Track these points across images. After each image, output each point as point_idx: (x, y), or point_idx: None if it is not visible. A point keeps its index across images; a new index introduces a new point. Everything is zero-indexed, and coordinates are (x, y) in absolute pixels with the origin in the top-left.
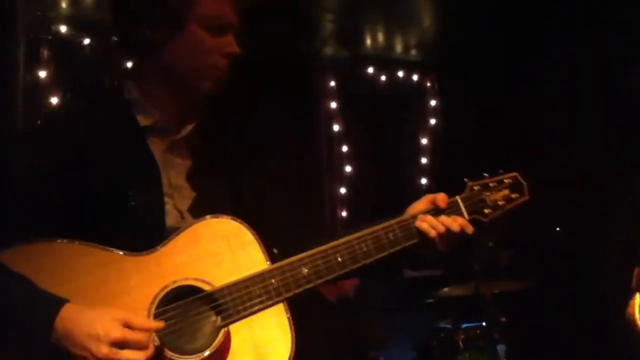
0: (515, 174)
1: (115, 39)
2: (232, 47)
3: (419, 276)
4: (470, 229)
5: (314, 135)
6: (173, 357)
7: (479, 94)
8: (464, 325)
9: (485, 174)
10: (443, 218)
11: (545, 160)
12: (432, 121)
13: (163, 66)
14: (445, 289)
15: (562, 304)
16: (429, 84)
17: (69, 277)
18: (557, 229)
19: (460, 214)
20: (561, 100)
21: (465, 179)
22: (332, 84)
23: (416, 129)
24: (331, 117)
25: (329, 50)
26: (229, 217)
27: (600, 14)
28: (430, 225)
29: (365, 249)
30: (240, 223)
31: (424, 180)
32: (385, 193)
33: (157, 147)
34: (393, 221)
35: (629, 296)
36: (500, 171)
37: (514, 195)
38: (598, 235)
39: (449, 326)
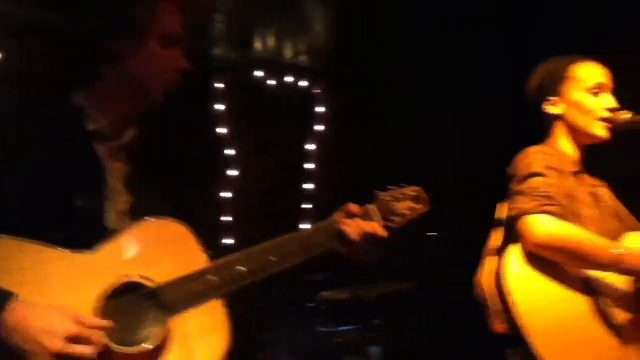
0: (419, 187)
1: (71, 43)
2: (183, 62)
3: (302, 280)
4: (384, 233)
5: (201, 137)
6: (118, 350)
7: (367, 101)
8: (342, 329)
9: (389, 186)
10: (362, 222)
11: (428, 166)
12: (320, 127)
13: (119, 76)
14: (326, 293)
15: (439, 306)
16: (317, 90)
17: (12, 272)
18: (436, 233)
19: (373, 220)
20: (443, 106)
21: (376, 191)
22: (220, 85)
23: (304, 134)
24: (218, 119)
25: (217, 51)
26: (169, 219)
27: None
28: (352, 228)
29: (294, 250)
30: (180, 224)
31: (309, 186)
32: (271, 197)
33: (100, 152)
34: (318, 224)
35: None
36: (402, 185)
37: (417, 206)
38: (476, 238)
39: (328, 329)
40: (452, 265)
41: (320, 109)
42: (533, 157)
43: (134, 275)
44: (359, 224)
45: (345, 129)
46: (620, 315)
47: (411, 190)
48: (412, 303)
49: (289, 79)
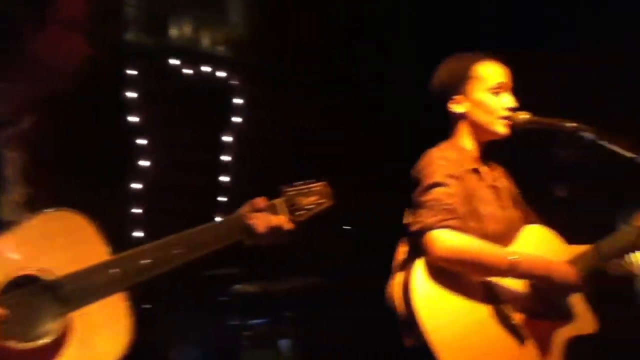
0: (324, 182)
1: None
2: (86, 48)
3: (211, 274)
4: (291, 226)
5: (110, 126)
6: (15, 346)
7: (285, 95)
8: (253, 322)
9: (296, 183)
10: (269, 216)
11: (343, 161)
12: (237, 119)
13: (18, 59)
14: (237, 286)
15: (349, 299)
16: (235, 82)
17: None
18: (349, 227)
19: (279, 214)
20: (360, 98)
21: (282, 186)
22: (133, 72)
23: (220, 126)
24: (129, 107)
25: (130, 36)
26: (69, 211)
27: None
28: (259, 221)
29: (200, 243)
30: (80, 216)
31: (225, 178)
32: (185, 190)
33: None
34: (226, 217)
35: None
36: (309, 181)
37: (321, 201)
38: (389, 234)
39: (238, 323)
40: (366, 259)
41: (238, 101)
42: (436, 164)
43: (31, 268)
44: (265, 218)
45: (264, 121)
46: (517, 317)
47: (316, 185)
48: (324, 297)
49: (206, 68)
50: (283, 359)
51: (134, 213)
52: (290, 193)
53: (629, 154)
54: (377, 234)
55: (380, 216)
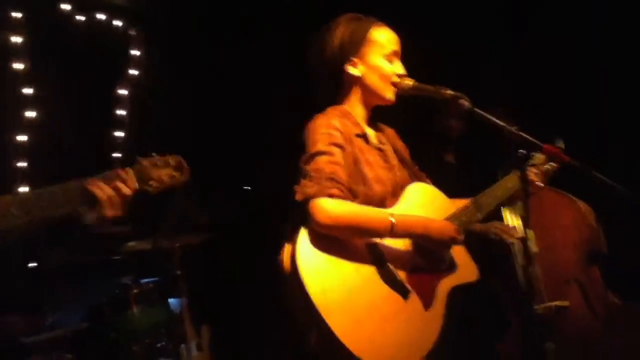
0: (179, 157)
1: None
2: None
3: (102, 233)
4: (130, 194)
5: None
6: None
7: (186, 48)
8: (144, 280)
9: (154, 154)
10: (115, 184)
11: (242, 117)
12: (134, 72)
13: None
14: (131, 244)
15: (242, 258)
16: (133, 33)
17: None
18: (248, 187)
19: (131, 184)
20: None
21: (137, 156)
22: (18, 15)
23: (115, 78)
24: (13, 53)
25: None
26: None
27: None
28: (101, 189)
29: (39, 206)
30: None
31: (119, 133)
32: (74, 143)
33: None
34: (68, 183)
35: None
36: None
37: (176, 174)
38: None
39: (129, 282)
40: (262, 219)
41: (135, 52)
42: (319, 133)
43: None
44: (111, 186)
45: (162, 75)
46: (401, 273)
47: (172, 159)
48: (216, 255)
49: (101, 16)
50: (173, 316)
51: (18, 167)
52: (144, 163)
53: (500, 123)
54: (274, 196)
55: (279, 178)
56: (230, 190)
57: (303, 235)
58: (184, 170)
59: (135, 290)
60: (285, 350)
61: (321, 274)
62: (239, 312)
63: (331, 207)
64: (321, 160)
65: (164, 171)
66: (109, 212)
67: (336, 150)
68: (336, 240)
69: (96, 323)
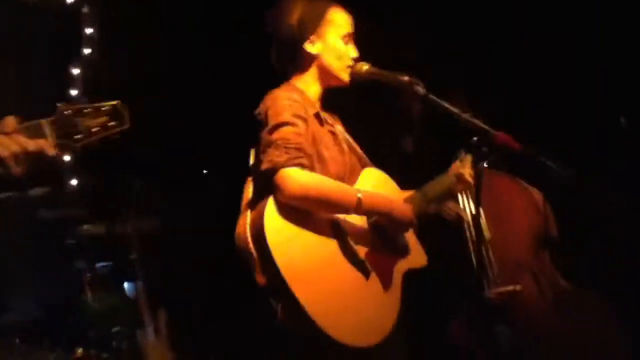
0: (116, 102)
1: None
2: None
3: (53, 217)
4: (51, 151)
5: None
6: None
7: (138, 26)
8: (99, 265)
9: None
10: (18, 138)
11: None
12: (86, 50)
13: None
14: (86, 227)
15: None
16: (85, 10)
17: None
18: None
19: (44, 137)
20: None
21: (58, 104)
22: None
23: (68, 57)
24: None
25: None
26: None
27: None
28: (3, 145)
29: None
30: None
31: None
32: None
33: None
34: None
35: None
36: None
37: (112, 123)
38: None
39: (83, 267)
40: (215, 202)
41: (89, 31)
42: (280, 104)
43: None
44: (15, 140)
45: (116, 53)
46: (361, 251)
47: (105, 105)
48: (171, 239)
49: None
50: (129, 301)
51: None
52: (66, 112)
53: (454, 110)
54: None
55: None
56: (188, 175)
57: (270, 205)
58: (123, 117)
59: (89, 275)
60: (245, 329)
61: (289, 245)
62: (196, 296)
63: (302, 178)
64: (287, 130)
65: (95, 121)
66: (14, 171)
67: (300, 122)
68: (302, 213)
69: (49, 308)
